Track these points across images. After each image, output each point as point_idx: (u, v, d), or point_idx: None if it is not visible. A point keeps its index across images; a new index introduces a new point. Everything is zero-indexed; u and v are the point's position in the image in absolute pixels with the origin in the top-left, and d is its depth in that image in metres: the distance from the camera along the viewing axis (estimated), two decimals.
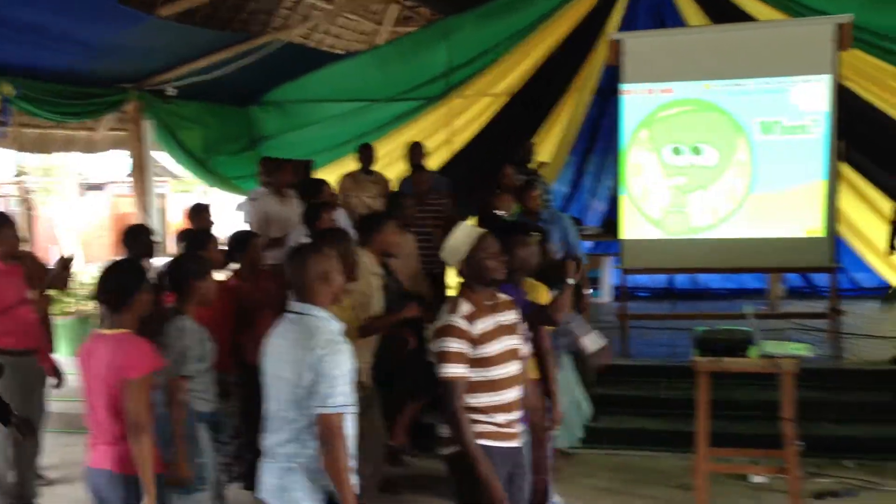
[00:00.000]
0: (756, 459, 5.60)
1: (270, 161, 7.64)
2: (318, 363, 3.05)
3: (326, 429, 3.05)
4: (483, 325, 3.51)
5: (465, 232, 3.62)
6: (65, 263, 5.53)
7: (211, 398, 4.21)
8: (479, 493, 3.42)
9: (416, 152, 7.93)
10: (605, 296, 9.84)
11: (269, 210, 7.11)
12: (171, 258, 4.74)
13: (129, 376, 3.44)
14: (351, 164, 8.32)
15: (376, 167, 8.22)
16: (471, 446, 3.40)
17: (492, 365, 3.49)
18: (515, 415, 3.61)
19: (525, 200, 6.57)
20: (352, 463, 3.17)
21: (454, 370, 3.41)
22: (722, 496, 5.41)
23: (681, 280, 10.13)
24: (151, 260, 5.46)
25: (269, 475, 3.21)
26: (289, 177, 7.36)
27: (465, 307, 3.51)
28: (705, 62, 7.36)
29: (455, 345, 3.42)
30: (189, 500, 3.95)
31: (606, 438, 6.24)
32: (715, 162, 7.38)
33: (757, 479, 5.63)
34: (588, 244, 10.09)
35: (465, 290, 3.58)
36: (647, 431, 6.44)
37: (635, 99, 7.51)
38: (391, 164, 9.15)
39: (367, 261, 4.92)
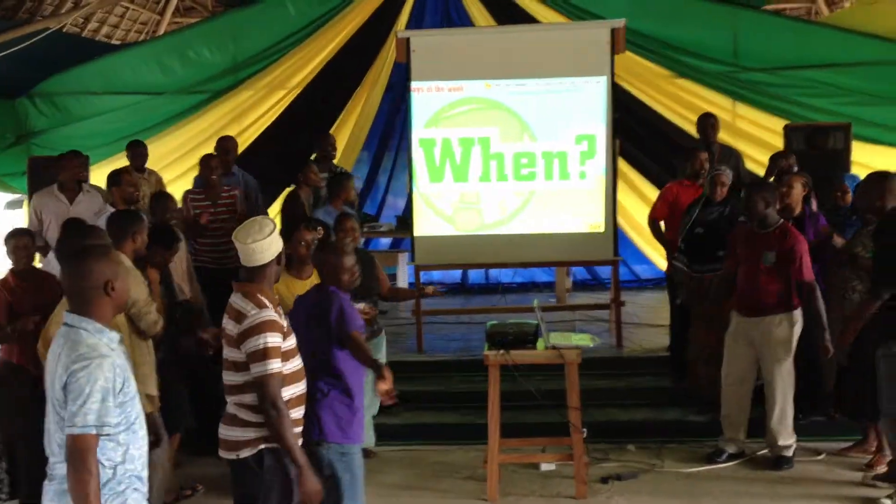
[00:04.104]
0: (544, 448, 5.78)
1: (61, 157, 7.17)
2: (69, 379, 2.77)
3: (71, 451, 2.76)
4: (283, 318, 3.61)
5: (270, 227, 3.62)
6: None
7: None
8: (286, 491, 3.55)
9: (224, 146, 7.68)
10: None
11: (59, 209, 6.69)
12: None
13: None
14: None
15: (164, 164, 7.87)
16: (293, 441, 3.54)
17: (291, 357, 3.61)
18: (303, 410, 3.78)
19: (340, 193, 6.67)
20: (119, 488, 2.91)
21: (276, 365, 3.47)
22: (512, 485, 5.57)
23: (474, 275, 10.35)
24: None
25: (47, 497, 2.95)
26: (76, 171, 7.00)
27: (268, 301, 3.56)
28: (491, 62, 7.53)
29: (275, 339, 3.47)
30: None
31: (401, 434, 6.26)
32: (505, 159, 7.57)
33: (545, 466, 5.81)
34: (385, 241, 10.14)
35: (255, 285, 3.60)
36: (439, 425, 6.50)
37: (424, 96, 7.57)
38: (180, 160, 8.80)
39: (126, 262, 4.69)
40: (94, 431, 2.76)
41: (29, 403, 4.50)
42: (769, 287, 5.56)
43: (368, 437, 5.68)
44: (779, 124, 7.98)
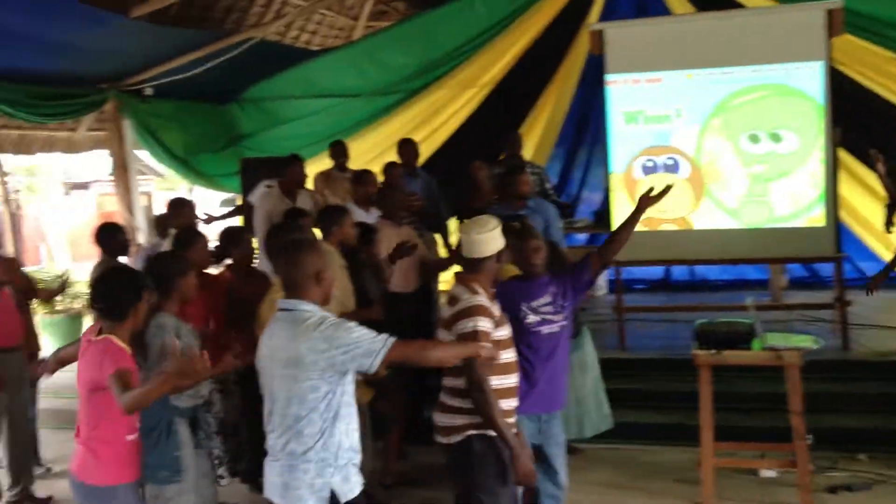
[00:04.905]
0: (763, 453, 5.41)
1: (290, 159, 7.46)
2: (329, 343, 2.98)
3: (398, 356, 3.08)
4: (496, 308, 3.69)
5: (494, 224, 3.74)
6: (62, 286, 6.43)
7: (192, 393, 4.08)
8: (498, 475, 3.60)
9: (406, 149, 7.73)
10: (601, 288, 9.65)
11: (279, 206, 6.94)
12: (152, 256, 4.67)
13: (101, 379, 3.38)
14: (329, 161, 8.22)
15: (359, 163, 8.07)
16: (501, 423, 3.55)
17: (503, 348, 3.65)
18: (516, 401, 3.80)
19: (511, 187, 6.19)
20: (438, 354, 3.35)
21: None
22: (729, 490, 5.26)
23: (678, 271, 9.94)
24: (125, 258, 5.60)
25: (272, 473, 3.16)
26: (300, 174, 7.30)
27: (482, 289, 3.67)
28: (692, 50, 7.19)
29: (485, 324, 3.55)
30: (165, 490, 3.93)
31: (608, 432, 6.03)
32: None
33: (766, 473, 5.47)
34: (582, 236, 9.94)
35: (474, 276, 3.72)
36: (649, 425, 6.28)
37: (621, 89, 7.33)
38: (376, 159, 8.99)
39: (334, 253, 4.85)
40: (389, 343, 3.04)
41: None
42: None
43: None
44: None
